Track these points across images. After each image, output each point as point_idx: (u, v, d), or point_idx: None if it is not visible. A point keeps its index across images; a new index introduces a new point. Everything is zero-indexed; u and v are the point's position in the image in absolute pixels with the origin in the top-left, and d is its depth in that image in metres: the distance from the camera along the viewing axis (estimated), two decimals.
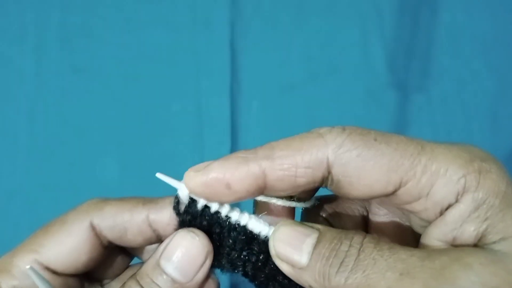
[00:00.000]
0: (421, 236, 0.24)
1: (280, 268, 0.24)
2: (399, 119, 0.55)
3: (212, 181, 0.24)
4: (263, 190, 0.24)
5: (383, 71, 0.56)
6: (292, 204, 0.27)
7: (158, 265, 0.26)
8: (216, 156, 0.59)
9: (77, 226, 0.28)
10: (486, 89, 0.56)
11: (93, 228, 0.28)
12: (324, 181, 0.24)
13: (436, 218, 0.23)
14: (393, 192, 0.23)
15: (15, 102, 0.56)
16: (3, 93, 0.56)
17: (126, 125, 0.55)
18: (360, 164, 0.23)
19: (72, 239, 0.28)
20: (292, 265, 0.23)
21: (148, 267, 0.27)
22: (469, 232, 0.23)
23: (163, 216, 0.27)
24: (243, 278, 0.27)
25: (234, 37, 0.57)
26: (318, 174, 0.24)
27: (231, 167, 0.24)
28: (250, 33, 0.57)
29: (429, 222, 0.24)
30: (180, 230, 0.27)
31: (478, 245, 0.23)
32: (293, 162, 0.24)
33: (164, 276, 0.26)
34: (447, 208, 0.23)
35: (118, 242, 0.29)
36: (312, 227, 0.24)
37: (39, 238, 0.28)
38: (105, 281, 0.32)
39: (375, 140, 0.23)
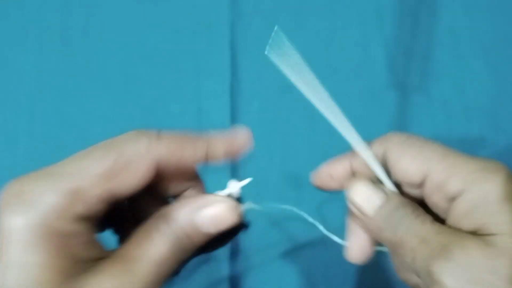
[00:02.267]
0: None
1: (354, 211, 0.31)
2: (399, 119, 0.55)
3: (323, 175, 0.34)
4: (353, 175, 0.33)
5: (383, 71, 0.56)
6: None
7: (194, 223, 0.28)
8: None
9: (145, 162, 0.28)
10: (486, 89, 0.56)
11: (155, 163, 0.28)
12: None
13: (445, 211, 0.29)
14: (422, 182, 0.30)
15: (15, 103, 0.56)
16: (3, 94, 0.56)
17: (126, 126, 0.55)
18: (402, 154, 0.30)
19: (135, 165, 0.28)
20: (362, 213, 0.31)
21: (182, 219, 0.28)
22: (469, 224, 0.28)
23: (218, 149, 0.31)
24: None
25: (234, 38, 0.57)
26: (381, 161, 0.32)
27: (332, 164, 0.34)
28: (250, 33, 0.57)
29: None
30: (226, 201, 0.29)
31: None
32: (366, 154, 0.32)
33: (195, 235, 0.28)
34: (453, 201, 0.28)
35: (174, 165, 0.29)
36: (381, 190, 0.31)
37: (94, 161, 0.28)
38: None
39: (417, 140, 0.31)
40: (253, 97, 0.56)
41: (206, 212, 0.29)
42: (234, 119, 0.55)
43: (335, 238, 0.34)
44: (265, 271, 0.50)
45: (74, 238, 0.26)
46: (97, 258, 0.26)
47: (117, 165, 0.28)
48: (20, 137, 0.54)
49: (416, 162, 0.29)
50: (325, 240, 0.35)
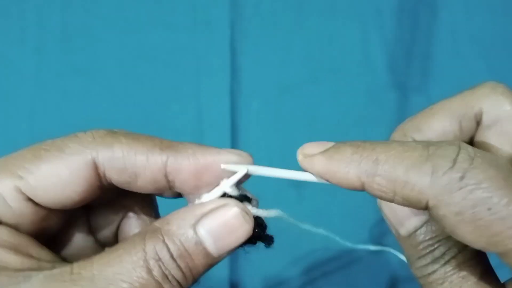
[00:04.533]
0: None
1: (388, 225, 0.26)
2: (399, 119, 0.55)
3: (320, 168, 0.25)
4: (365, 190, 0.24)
5: (383, 71, 0.56)
6: None
7: (195, 232, 0.23)
8: None
9: (77, 159, 0.24)
10: None
11: (96, 166, 0.24)
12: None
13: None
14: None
15: (16, 103, 0.56)
16: (3, 94, 0.56)
17: (126, 126, 0.55)
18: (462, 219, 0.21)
19: (69, 173, 0.24)
20: (394, 230, 0.26)
21: (179, 229, 0.23)
22: None
23: (184, 167, 0.24)
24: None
25: (234, 38, 0.57)
26: (418, 205, 0.22)
27: (335, 166, 0.24)
28: (250, 33, 0.57)
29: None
30: (233, 205, 0.24)
31: None
32: (391, 189, 0.22)
33: (200, 247, 0.23)
34: None
35: (123, 186, 0.25)
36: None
37: (27, 162, 0.24)
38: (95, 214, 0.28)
39: (489, 209, 0.21)
40: (253, 97, 0.56)
41: (210, 221, 0.23)
42: (234, 118, 0.55)
43: (337, 238, 0.34)
44: (265, 270, 0.50)
45: None
46: (25, 269, 0.23)
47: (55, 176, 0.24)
48: (20, 137, 0.54)
49: (484, 240, 0.21)
50: (326, 241, 0.35)
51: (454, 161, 0.21)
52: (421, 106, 0.57)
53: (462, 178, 0.21)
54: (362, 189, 0.23)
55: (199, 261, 0.23)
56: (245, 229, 0.24)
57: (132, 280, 0.22)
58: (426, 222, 0.24)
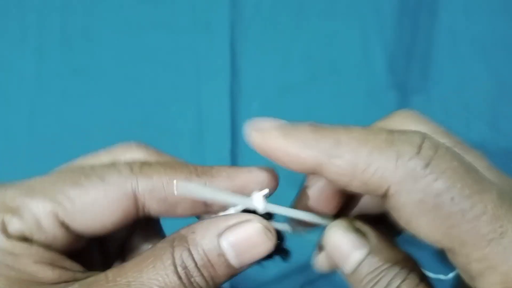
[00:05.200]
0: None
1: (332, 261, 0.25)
2: None
3: (272, 145, 0.24)
4: (320, 171, 0.23)
5: (383, 72, 0.56)
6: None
7: (218, 244, 0.23)
8: (216, 156, 0.60)
9: (117, 189, 0.24)
10: (486, 90, 0.56)
11: (136, 197, 0.24)
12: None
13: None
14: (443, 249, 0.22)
15: (16, 104, 0.56)
16: (3, 95, 0.56)
17: (126, 127, 0.55)
18: (419, 210, 0.21)
19: (108, 203, 0.24)
20: (338, 267, 0.25)
21: (203, 239, 0.23)
22: None
23: None
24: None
25: (234, 38, 0.57)
26: (377, 192, 0.22)
27: (291, 144, 0.23)
28: (250, 34, 0.57)
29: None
30: (256, 221, 0.24)
31: None
32: (350, 173, 0.22)
33: (222, 259, 0.23)
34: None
35: (161, 215, 0.26)
36: (364, 240, 0.24)
37: (66, 188, 0.24)
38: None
39: (452, 199, 0.20)
40: (253, 97, 0.56)
41: (233, 234, 0.23)
42: (234, 119, 0.55)
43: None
44: (265, 270, 0.50)
45: (23, 258, 0.23)
46: (62, 282, 0.23)
47: (95, 200, 0.24)
48: (20, 138, 0.54)
49: (441, 232, 0.21)
50: None
51: (420, 148, 0.21)
52: (421, 106, 0.57)
53: (427, 165, 0.20)
54: (314, 172, 0.22)
55: (221, 272, 0.24)
56: (267, 246, 0.24)
57: (165, 285, 0.22)
58: (367, 255, 0.24)
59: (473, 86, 0.56)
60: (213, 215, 0.25)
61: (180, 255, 0.23)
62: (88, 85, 0.56)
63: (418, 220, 0.21)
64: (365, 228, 0.25)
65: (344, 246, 0.24)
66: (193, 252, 0.23)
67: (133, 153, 0.27)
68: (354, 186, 0.22)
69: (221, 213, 0.25)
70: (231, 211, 0.25)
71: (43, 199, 0.24)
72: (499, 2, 0.58)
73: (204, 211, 0.26)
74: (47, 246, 0.24)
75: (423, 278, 0.24)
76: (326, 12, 0.58)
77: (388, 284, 0.23)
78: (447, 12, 0.58)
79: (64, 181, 0.25)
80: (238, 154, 0.54)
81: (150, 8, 0.59)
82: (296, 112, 0.55)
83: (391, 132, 0.22)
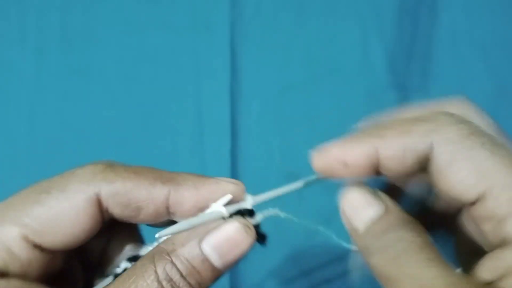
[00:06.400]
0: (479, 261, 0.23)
1: (344, 223, 0.26)
2: None
3: (331, 160, 0.25)
4: (377, 167, 0.25)
5: (383, 71, 0.56)
6: None
7: (200, 250, 0.24)
8: (216, 156, 0.60)
9: (80, 197, 0.24)
10: (486, 90, 0.56)
11: (99, 202, 0.24)
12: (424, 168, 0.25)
13: (495, 248, 0.23)
14: (475, 202, 0.23)
15: (16, 104, 0.56)
16: (3, 95, 0.56)
17: (126, 127, 0.55)
18: (457, 159, 0.23)
19: (74, 213, 0.24)
20: (350, 227, 0.25)
21: (185, 248, 0.23)
22: None
23: (186, 199, 0.25)
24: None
25: (234, 38, 0.57)
26: (422, 158, 0.24)
27: (348, 147, 0.25)
28: (250, 34, 0.57)
29: (490, 247, 0.23)
30: (234, 220, 0.24)
31: None
32: (402, 143, 0.24)
33: (207, 263, 0.24)
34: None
35: (124, 220, 0.25)
36: (380, 200, 0.25)
37: (29, 207, 0.24)
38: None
39: (483, 144, 0.23)
40: (253, 97, 0.56)
41: (213, 238, 0.24)
42: (234, 119, 0.55)
43: (339, 240, 0.34)
44: (264, 268, 0.50)
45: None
46: None
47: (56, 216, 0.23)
48: (20, 138, 0.54)
49: (475, 176, 0.22)
50: (325, 241, 0.35)
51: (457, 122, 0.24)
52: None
53: (462, 129, 0.23)
54: (372, 169, 0.24)
55: (207, 276, 0.24)
56: (248, 242, 0.24)
57: None
58: (382, 214, 0.24)
59: (473, 86, 0.56)
60: (190, 218, 0.25)
61: (163, 268, 0.23)
62: (88, 85, 0.56)
63: (456, 170, 0.23)
64: (380, 192, 0.25)
65: (359, 202, 0.25)
66: (177, 262, 0.23)
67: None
68: (406, 164, 0.24)
69: (200, 214, 0.25)
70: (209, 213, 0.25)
71: (9, 225, 0.23)
72: (499, 2, 0.58)
73: (167, 218, 0.26)
74: (24, 276, 0.24)
75: (432, 242, 0.24)
76: (326, 12, 0.58)
77: (399, 239, 0.23)
78: (447, 12, 0.58)
79: (26, 202, 0.24)
80: (238, 154, 0.54)
81: (150, 8, 0.59)
82: (296, 112, 0.55)
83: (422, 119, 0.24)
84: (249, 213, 0.26)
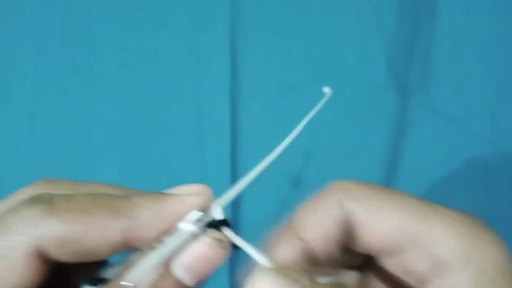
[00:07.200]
0: None
1: None
2: (399, 119, 0.55)
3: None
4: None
5: (383, 71, 0.56)
6: None
7: (172, 274, 0.22)
8: (216, 156, 0.60)
9: (15, 255, 0.20)
10: (486, 90, 0.56)
11: (42, 255, 0.21)
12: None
13: (432, 279, 0.23)
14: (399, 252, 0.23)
15: (16, 104, 0.56)
16: (3, 94, 0.56)
17: (126, 126, 0.55)
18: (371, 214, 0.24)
19: (17, 276, 0.20)
20: None
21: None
22: None
23: (145, 229, 0.22)
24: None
25: (234, 38, 0.57)
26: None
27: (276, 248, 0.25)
28: (250, 34, 0.57)
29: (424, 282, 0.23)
30: (204, 237, 0.23)
31: None
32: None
33: (180, 286, 0.22)
34: (445, 272, 0.22)
35: (77, 262, 0.22)
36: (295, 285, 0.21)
37: None
38: None
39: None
40: (253, 97, 0.56)
41: (185, 259, 0.22)
42: (234, 119, 0.55)
43: None
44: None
45: None
46: None
47: None
48: (20, 138, 0.54)
49: (393, 221, 0.23)
50: None
51: None
52: (421, 107, 0.57)
53: None
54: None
55: None
56: (221, 255, 0.23)
57: None
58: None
59: (473, 86, 0.56)
60: (156, 246, 0.23)
61: None
62: (87, 85, 0.56)
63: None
64: (299, 274, 0.22)
65: None
66: None
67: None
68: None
69: (166, 239, 0.23)
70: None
71: None
72: (499, 2, 0.58)
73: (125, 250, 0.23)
74: None
75: None
76: (326, 12, 0.58)
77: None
78: (447, 12, 0.58)
79: None
80: (238, 154, 0.54)
81: (150, 7, 0.59)
82: (296, 112, 0.55)
83: None
84: (222, 222, 0.24)
